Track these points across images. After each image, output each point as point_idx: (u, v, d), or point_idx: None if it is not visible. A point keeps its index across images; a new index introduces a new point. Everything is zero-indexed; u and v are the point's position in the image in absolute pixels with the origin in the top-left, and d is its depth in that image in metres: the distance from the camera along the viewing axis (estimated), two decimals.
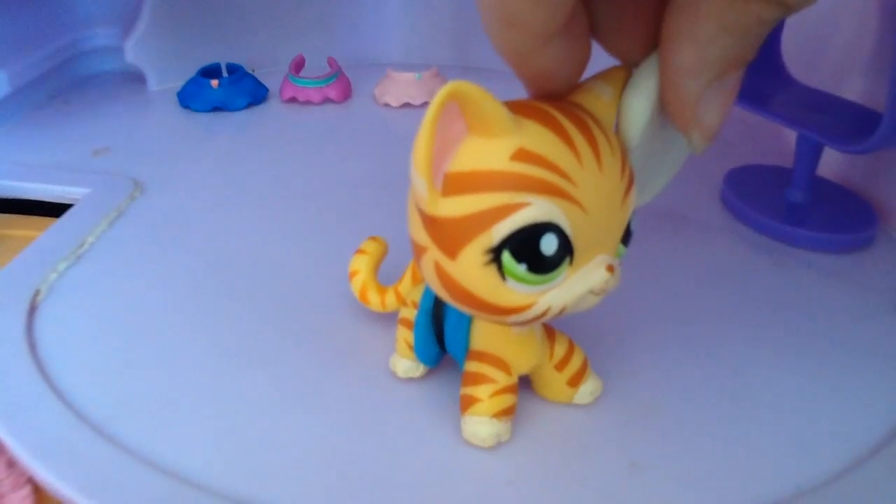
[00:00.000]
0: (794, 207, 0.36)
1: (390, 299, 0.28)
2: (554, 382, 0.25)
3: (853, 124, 0.33)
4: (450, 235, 0.19)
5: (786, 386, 0.26)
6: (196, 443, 0.24)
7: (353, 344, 0.28)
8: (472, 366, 0.23)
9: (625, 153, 0.20)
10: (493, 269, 0.18)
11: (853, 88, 0.38)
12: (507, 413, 0.23)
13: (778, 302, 0.31)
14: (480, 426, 0.23)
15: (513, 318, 0.19)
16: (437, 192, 0.19)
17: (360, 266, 0.28)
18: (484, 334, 0.23)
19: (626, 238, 0.21)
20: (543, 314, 0.19)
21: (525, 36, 0.18)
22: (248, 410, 0.25)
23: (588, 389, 0.25)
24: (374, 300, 0.28)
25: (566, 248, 0.19)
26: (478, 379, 0.23)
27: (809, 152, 0.35)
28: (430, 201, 0.19)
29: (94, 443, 0.23)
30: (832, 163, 0.39)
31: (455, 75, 0.56)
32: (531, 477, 0.23)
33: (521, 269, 0.18)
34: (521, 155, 0.18)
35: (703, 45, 0.18)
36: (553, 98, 0.20)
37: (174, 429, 0.24)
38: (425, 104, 0.52)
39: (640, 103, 0.20)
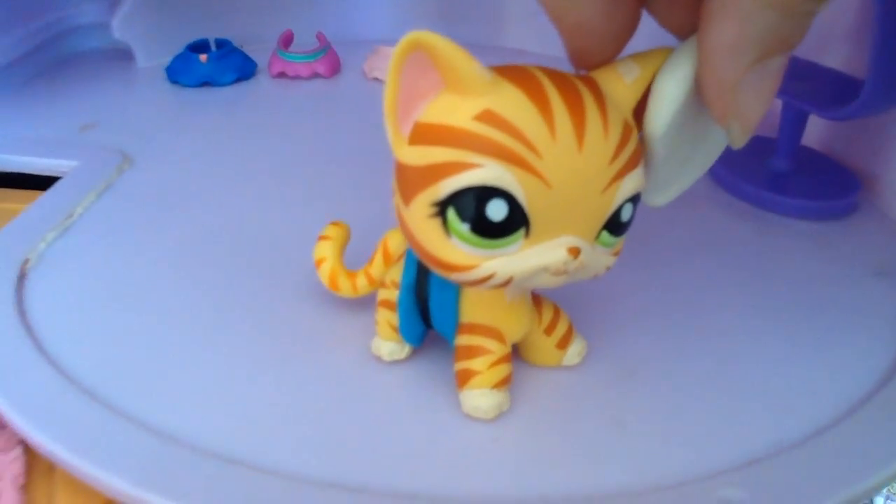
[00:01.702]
0: (777, 176, 0.36)
1: (362, 283, 0.27)
2: (543, 347, 0.25)
3: (836, 92, 0.34)
4: (407, 182, 0.19)
5: (767, 348, 0.27)
6: (183, 404, 0.24)
7: (341, 319, 0.28)
8: (464, 339, 0.23)
9: (627, 140, 0.19)
10: (438, 222, 0.19)
11: (837, 56, 0.38)
12: (505, 382, 0.23)
13: (761, 267, 0.31)
14: (481, 398, 0.23)
15: (455, 275, 0.19)
16: (404, 138, 0.19)
17: (326, 252, 0.27)
18: (474, 305, 0.23)
19: (617, 227, 0.20)
20: (487, 279, 0.19)
21: None
22: (233, 375, 0.25)
23: (575, 350, 0.25)
24: (344, 286, 0.27)
25: (518, 218, 0.18)
26: (472, 352, 0.23)
27: (794, 120, 0.35)
28: (395, 146, 0.19)
29: (84, 405, 0.24)
30: (816, 131, 0.39)
31: None
32: (516, 434, 0.23)
33: (464, 228, 0.18)
34: (486, 116, 0.18)
35: (748, 21, 0.16)
36: (592, 61, 0.20)
37: (161, 391, 0.25)
38: None
39: (672, 88, 0.19)
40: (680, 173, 0.22)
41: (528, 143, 0.18)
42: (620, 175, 0.19)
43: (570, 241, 0.19)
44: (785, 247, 0.33)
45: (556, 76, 0.19)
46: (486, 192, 0.18)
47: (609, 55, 0.20)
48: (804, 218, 0.34)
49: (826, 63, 0.37)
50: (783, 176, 0.36)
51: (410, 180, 0.19)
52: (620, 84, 0.19)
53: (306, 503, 0.20)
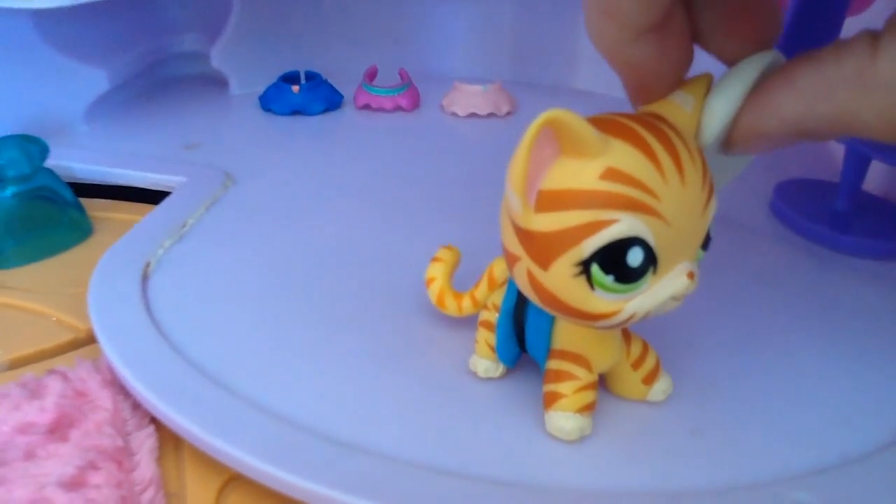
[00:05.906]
0: (839, 216, 0.38)
1: (466, 304, 0.29)
2: (629, 380, 0.26)
3: None
4: (542, 248, 0.20)
5: (831, 369, 0.29)
6: (293, 390, 0.27)
7: (442, 333, 0.31)
8: (554, 364, 0.24)
9: (706, 163, 0.21)
10: (582, 279, 0.20)
11: None
12: (589, 408, 0.24)
13: (823, 298, 0.33)
14: (565, 421, 0.24)
15: (600, 323, 0.21)
16: (531, 208, 0.20)
17: (437, 273, 0.29)
18: (566, 334, 0.24)
19: (706, 242, 0.22)
20: (629, 319, 0.21)
21: (619, 26, 0.19)
22: (340, 368, 0.28)
23: (661, 388, 0.26)
24: (450, 305, 0.29)
25: (651, 259, 0.20)
26: (561, 376, 0.24)
27: (856, 165, 0.37)
28: (525, 216, 0.20)
29: (206, 388, 0.27)
30: (876, 178, 0.41)
31: (516, 90, 0.59)
32: (603, 435, 0.25)
33: (609, 279, 0.20)
34: (610, 174, 0.19)
35: (810, 114, 0.19)
36: (650, 97, 0.22)
37: (271, 377, 0.28)
38: (490, 115, 0.55)
39: (722, 106, 0.21)
40: (717, 179, 0.24)
41: (649, 191, 0.19)
42: (710, 196, 0.21)
43: (686, 267, 0.21)
44: (847, 281, 0.35)
45: (644, 123, 0.20)
46: (625, 243, 0.19)
47: (666, 91, 0.21)
48: (864, 256, 0.36)
49: None
50: (845, 217, 0.38)
51: (548, 246, 0.20)
52: (684, 115, 0.21)
53: (401, 481, 0.23)
